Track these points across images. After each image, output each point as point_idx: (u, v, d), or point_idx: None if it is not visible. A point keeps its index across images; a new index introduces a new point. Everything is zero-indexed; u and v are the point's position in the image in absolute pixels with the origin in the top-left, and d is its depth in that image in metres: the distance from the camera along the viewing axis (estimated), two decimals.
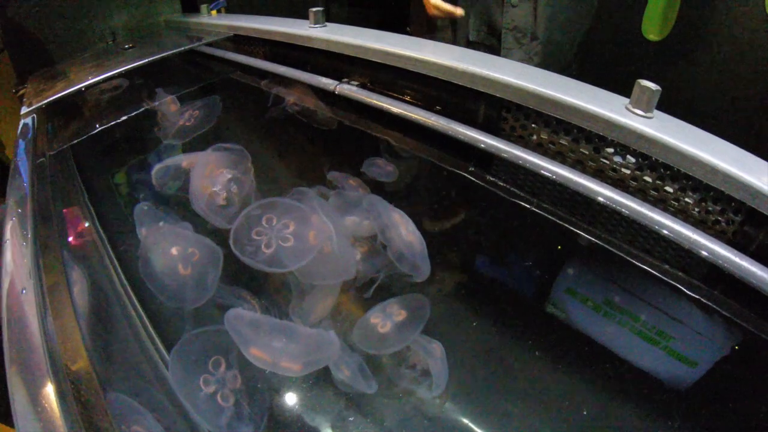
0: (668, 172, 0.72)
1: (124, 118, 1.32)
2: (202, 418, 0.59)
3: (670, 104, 0.75)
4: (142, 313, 0.75)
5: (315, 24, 1.18)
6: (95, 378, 0.59)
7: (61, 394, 0.51)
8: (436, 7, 1.33)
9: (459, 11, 1.32)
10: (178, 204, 0.91)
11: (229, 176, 0.88)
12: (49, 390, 0.51)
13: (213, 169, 0.90)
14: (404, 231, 0.73)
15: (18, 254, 0.70)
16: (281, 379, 0.66)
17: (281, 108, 1.18)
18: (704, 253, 0.66)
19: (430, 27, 1.46)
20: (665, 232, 0.69)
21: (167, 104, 1.28)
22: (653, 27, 1.47)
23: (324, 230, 0.72)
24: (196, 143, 1.06)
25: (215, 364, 0.64)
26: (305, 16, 1.29)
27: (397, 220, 0.74)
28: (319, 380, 0.64)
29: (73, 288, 0.73)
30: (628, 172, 0.76)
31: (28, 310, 0.61)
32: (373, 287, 0.71)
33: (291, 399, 0.65)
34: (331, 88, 1.10)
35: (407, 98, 1.04)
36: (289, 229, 0.73)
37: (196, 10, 1.93)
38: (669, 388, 0.61)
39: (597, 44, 1.65)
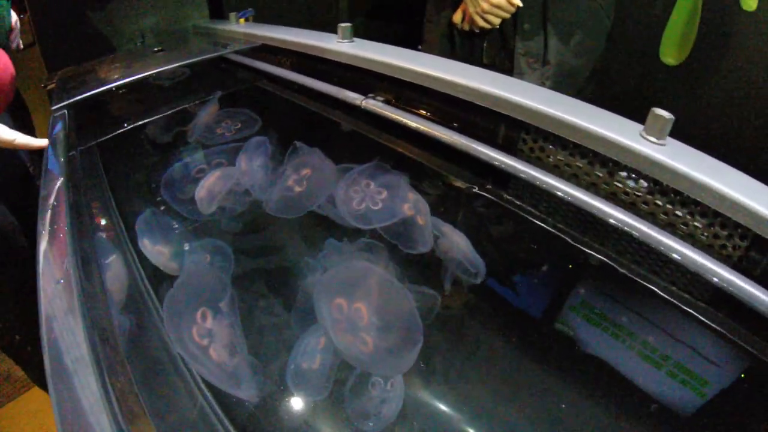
0: (678, 197, 0.75)
1: (152, 118, 1.36)
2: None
3: (686, 127, 0.78)
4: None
5: (343, 39, 1.22)
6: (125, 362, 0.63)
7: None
8: (489, 1, 1.23)
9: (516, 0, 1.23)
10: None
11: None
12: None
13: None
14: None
15: (56, 246, 0.73)
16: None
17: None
18: (710, 276, 0.68)
19: (442, 47, 1.49)
20: (674, 255, 0.72)
21: (205, 110, 1.32)
22: (671, 51, 1.49)
23: (420, 206, 0.85)
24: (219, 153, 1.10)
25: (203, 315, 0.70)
26: (325, 29, 1.33)
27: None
28: None
29: (105, 278, 0.77)
30: (639, 195, 0.79)
31: (66, 300, 0.63)
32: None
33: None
34: (357, 102, 1.15)
35: (430, 115, 1.08)
36: (381, 195, 0.86)
37: (222, 17, 1.97)
38: (671, 410, 0.63)
39: (613, 68, 1.68)
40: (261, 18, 1.87)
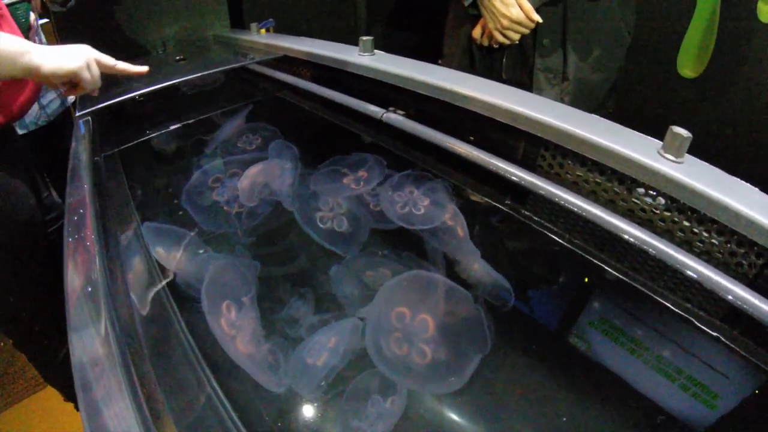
0: (695, 215, 0.76)
1: (174, 127, 1.38)
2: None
3: (704, 139, 0.77)
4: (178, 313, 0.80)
5: (364, 52, 1.24)
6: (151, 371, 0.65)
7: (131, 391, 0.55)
8: (508, 17, 1.22)
9: (536, 16, 1.22)
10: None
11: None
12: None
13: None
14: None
15: (83, 251, 0.75)
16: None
17: None
18: (725, 293, 0.68)
19: (462, 61, 1.50)
20: (689, 272, 0.72)
21: (228, 121, 1.35)
22: (688, 63, 1.49)
23: (455, 214, 0.92)
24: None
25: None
26: (344, 39, 1.35)
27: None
28: None
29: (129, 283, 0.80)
30: (657, 212, 0.80)
31: (93, 304, 0.65)
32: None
33: None
34: (378, 116, 1.16)
35: (449, 130, 1.08)
36: (424, 202, 0.94)
37: (243, 27, 2.00)
38: (684, 425, 0.63)
39: (632, 82, 1.68)
40: (280, 27, 1.89)
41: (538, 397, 0.69)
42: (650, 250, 0.76)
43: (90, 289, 0.67)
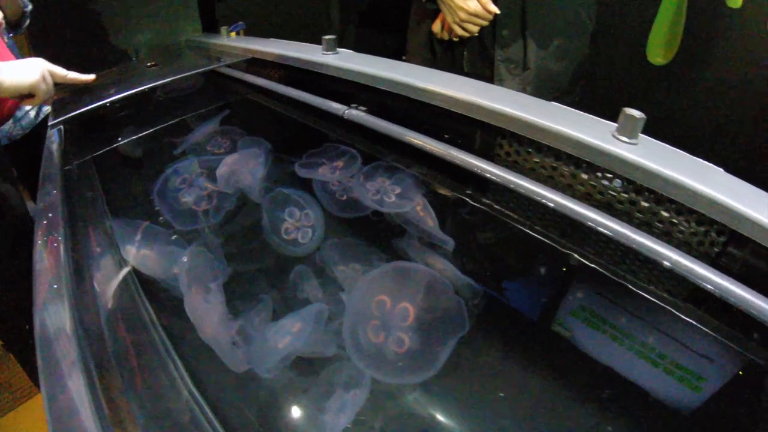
0: (652, 196, 0.76)
1: (146, 132, 1.38)
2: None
3: (676, 125, 0.77)
4: (151, 311, 0.80)
5: (327, 51, 1.24)
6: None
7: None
8: (465, 10, 1.24)
9: (492, 7, 1.23)
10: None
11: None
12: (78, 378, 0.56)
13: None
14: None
15: (51, 255, 0.75)
16: None
17: None
18: (687, 274, 0.67)
19: (424, 57, 1.51)
20: (649, 254, 0.71)
21: (198, 125, 1.35)
22: (658, 50, 1.49)
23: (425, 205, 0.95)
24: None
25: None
26: (317, 40, 1.35)
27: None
28: None
29: (96, 287, 0.80)
30: (614, 195, 0.80)
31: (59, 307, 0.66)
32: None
33: None
34: (340, 113, 1.16)
35: (411, 124, 1.08)
36: (395, 191, 0.98)
37: (216, 31, 2.00)
38: (670, 407, 0.64)
39: (600, 70, 1.68)
40: (256, 31, 1.88)
41: (519, 386, 0.69)
42: (607, 232, 0.75)
43: (56, 286, 0.68)
